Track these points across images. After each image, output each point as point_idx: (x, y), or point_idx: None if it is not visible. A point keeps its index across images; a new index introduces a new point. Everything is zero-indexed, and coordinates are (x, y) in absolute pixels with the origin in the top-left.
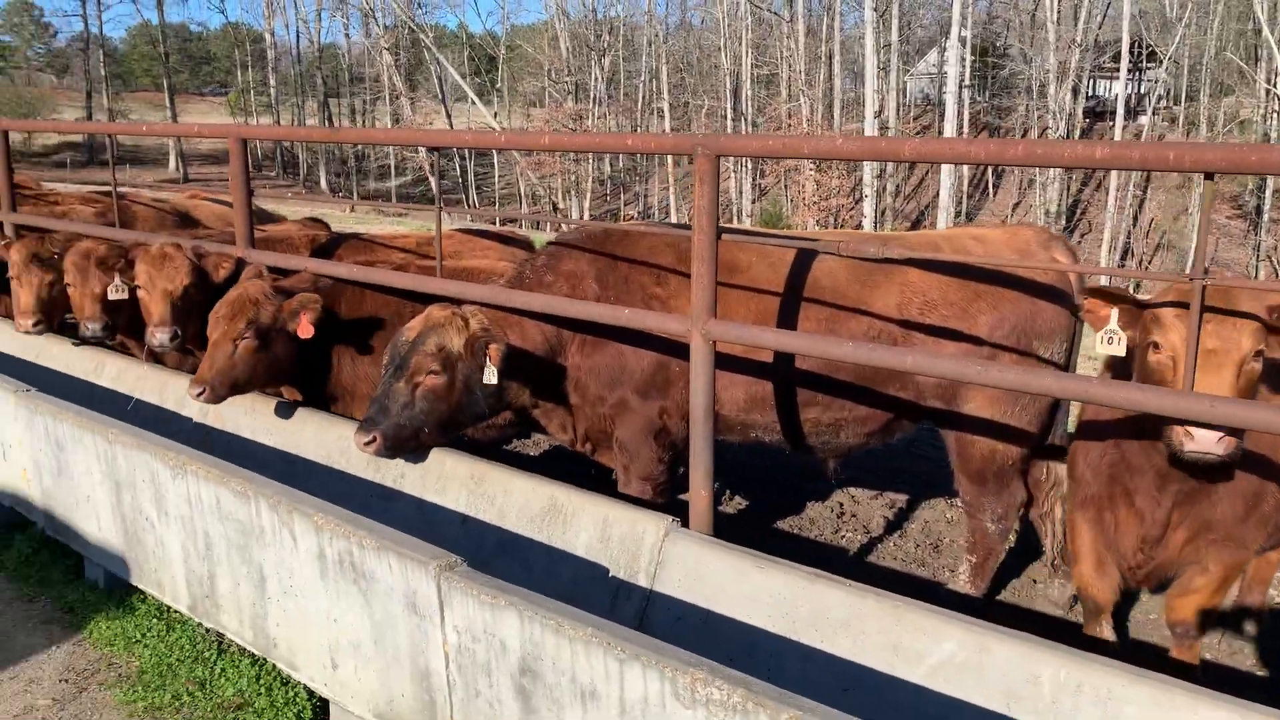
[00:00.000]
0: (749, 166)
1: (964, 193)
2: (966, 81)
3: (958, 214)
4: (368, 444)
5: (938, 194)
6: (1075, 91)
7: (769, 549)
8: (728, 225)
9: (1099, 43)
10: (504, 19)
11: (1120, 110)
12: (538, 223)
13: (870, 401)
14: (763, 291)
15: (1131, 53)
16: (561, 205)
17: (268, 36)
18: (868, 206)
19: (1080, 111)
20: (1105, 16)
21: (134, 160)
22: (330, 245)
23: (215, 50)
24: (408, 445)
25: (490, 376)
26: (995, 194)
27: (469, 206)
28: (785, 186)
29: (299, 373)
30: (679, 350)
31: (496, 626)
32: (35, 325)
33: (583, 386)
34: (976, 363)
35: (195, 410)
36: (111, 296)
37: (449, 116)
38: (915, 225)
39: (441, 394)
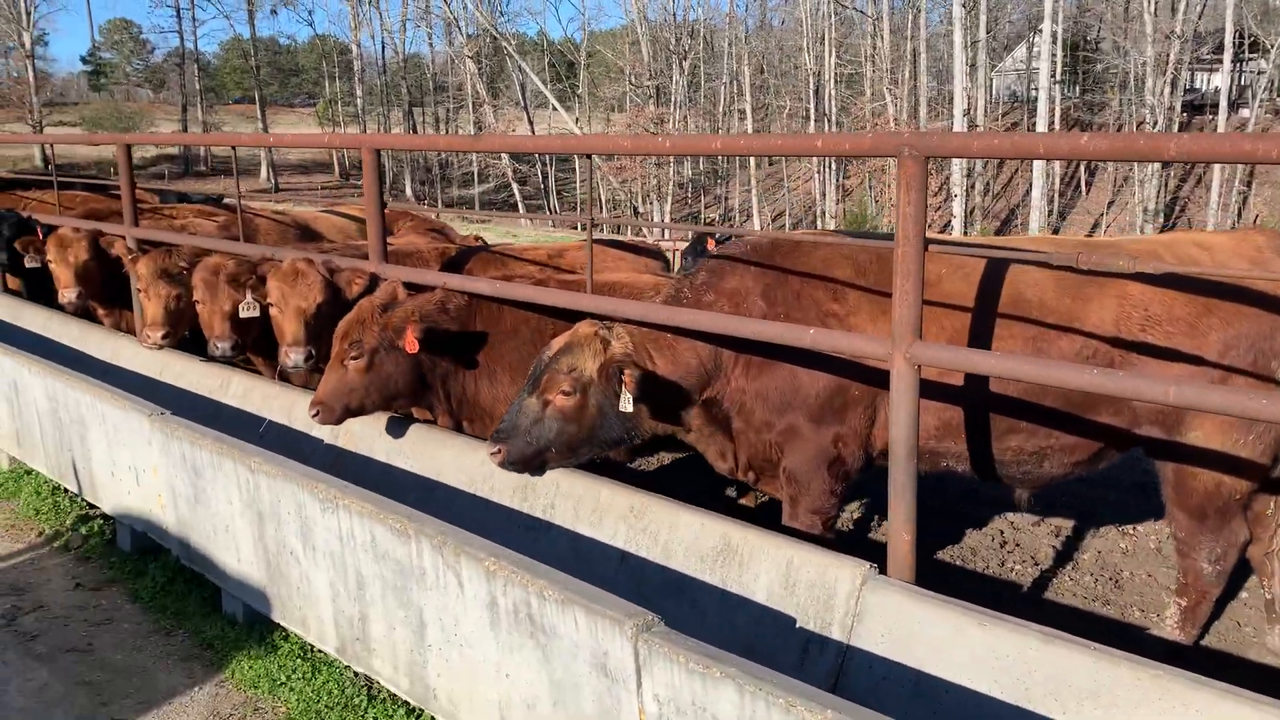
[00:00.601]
0: (833, 167)
1: (1055, 190)
2: (1057, 77)
3: (1049, 213)
4: (493, 454)
5: (1028, 192)
6: (1173, 85)
7: (934, 585)
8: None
9: (1198, 34)
10: (584, 25)
11: (1224, 103)
12: (618, 227)
13: (1079, 429)
14: (956, 307)
15: (1234, 44)
16: (642, 209)
17: (354, 48)
18: (957, 206)
19: (1179, 105)
20: (1205, 6)
21: (226, 171)
22: (460, 258)
23: (303, 62)
24: (533, 462)
25: (626, 404)
26: (1089, 192)
27: (550, 211)
28: (870, 187)
29: (428, 392)
30: (859, 372)
31: (709, 699)
32: (163, 338)
33: (747, 411)
34: (1263, 395)
35: (326, 432)
36: (243, 314)
37: (531, 123)
38: (1005, 224)
39: (571, 416)
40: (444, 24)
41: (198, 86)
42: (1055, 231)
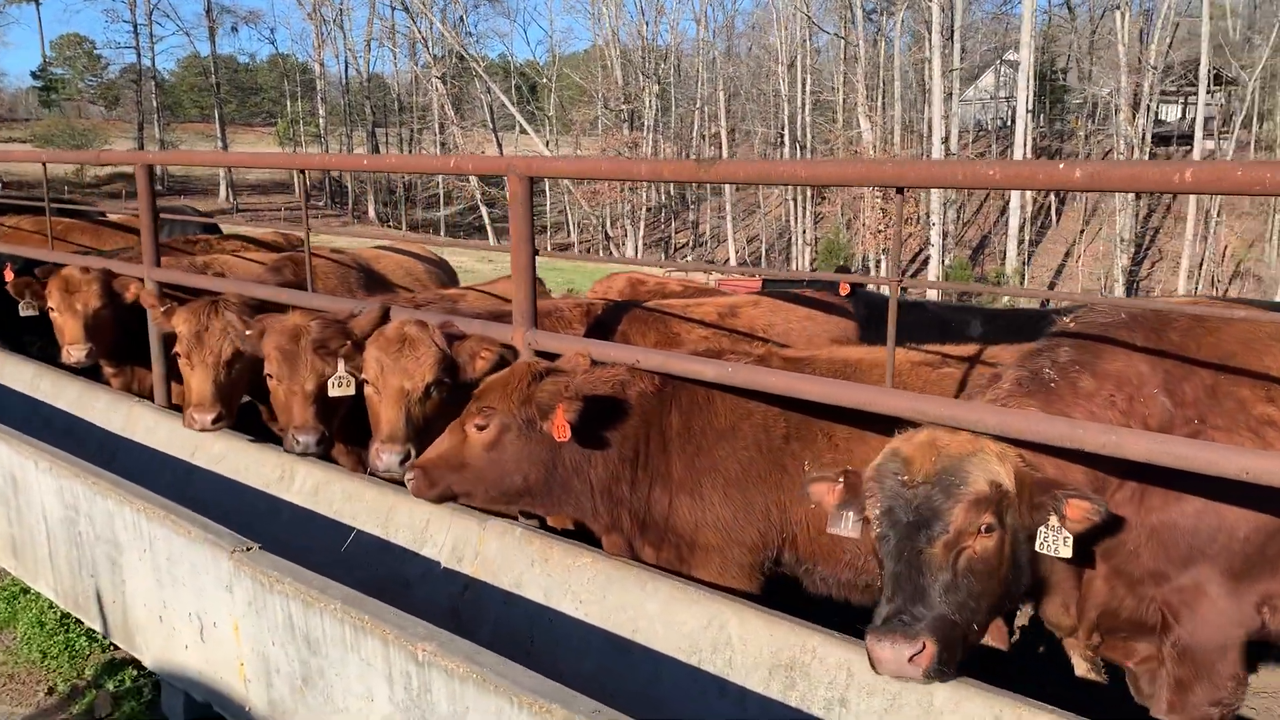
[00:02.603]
0: (808, 193)
1: (1027, 218)
2: (1030, 106)
3: (1021, 241)
4: (914, 657)
5: (998, 219)
6: (1145, 115)
7: None
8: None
9: (1169, 65)
10: (552, 48)
11: (1199, 133)
12: (589, 252)
13: None
14: None
15: (1194, 74)
16: (612, 234)
17: (317, 67)
18: (934, 234)
19: (1149, 136)
20: (1174, 37)
21: (184, 190)
22: (608, 317)
23: (263, 81)
24: (957, 654)
25: (1061, 545)
26: (1059, 220)
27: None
28: (841, 213)
29: (570, 496)
30: None
31: None
32: (215, 421)
33: (1126, 553)
34: None
35: (446, 551)
36: (333, 393)
37: (499, 145)
38: (977, 252)
39: (994, 565)
40: (408, 44)
41: (155, 104)
42: (1027, 262)
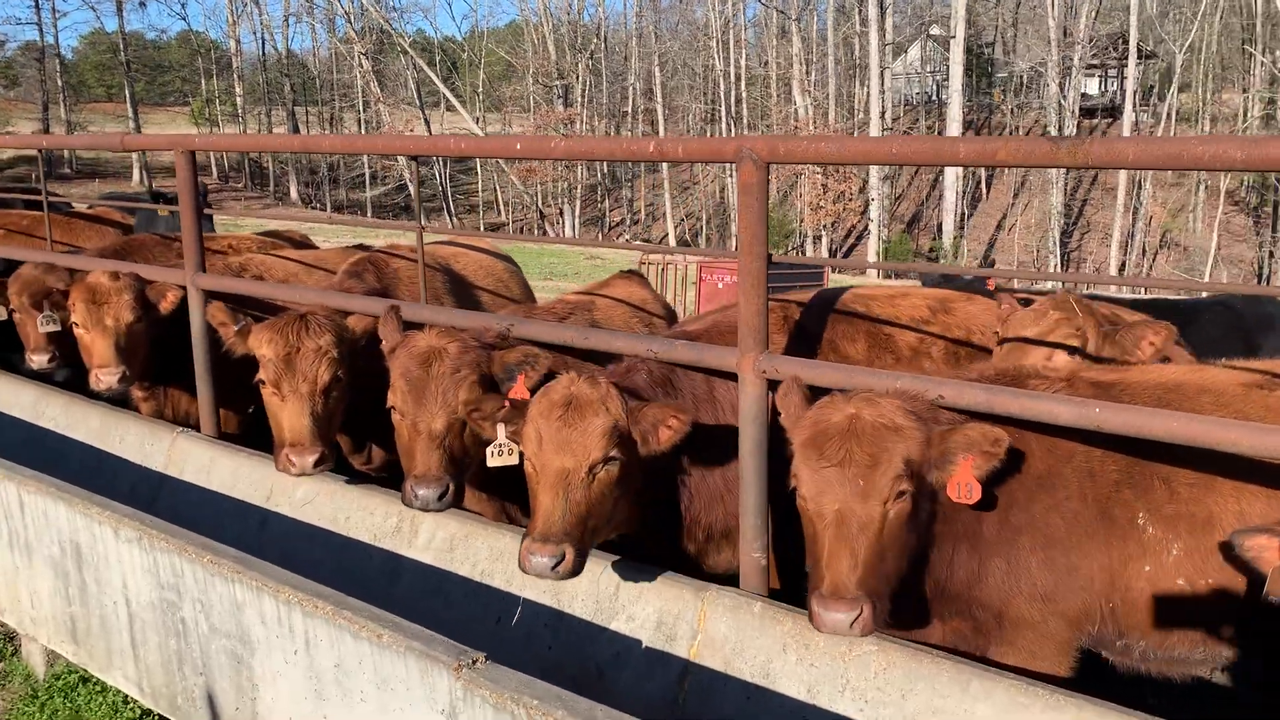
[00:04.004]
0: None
1: (959, 192)
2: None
3: (956, 214)
4: None
5: (929, 193)
6: (1064, 88)
7: None
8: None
9: (1093, 39)
10: (476, 23)
11: (1129, 105)
12: (522, 232)
13: None
14: None
15: (1116, 48)
16: (547, 211)
17: (232, 44)
18: (874, 209)
19: (1077, 109)
20: (1099, 9)
21: (95, 173)
22: (810, 323)
23: (174, 59)
24: None
25: None
26: (989, 193)
27: (450, 216)
28: (778, 189)
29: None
30: None
31: None
32: (317, 465)
33: None
34: None
35: (649, 628)
36: (492, 463)
37: (428, 123)
38: (911, 226)
39: None
40: (327, 19)
41: (60, 83)
42: (959, 237)
